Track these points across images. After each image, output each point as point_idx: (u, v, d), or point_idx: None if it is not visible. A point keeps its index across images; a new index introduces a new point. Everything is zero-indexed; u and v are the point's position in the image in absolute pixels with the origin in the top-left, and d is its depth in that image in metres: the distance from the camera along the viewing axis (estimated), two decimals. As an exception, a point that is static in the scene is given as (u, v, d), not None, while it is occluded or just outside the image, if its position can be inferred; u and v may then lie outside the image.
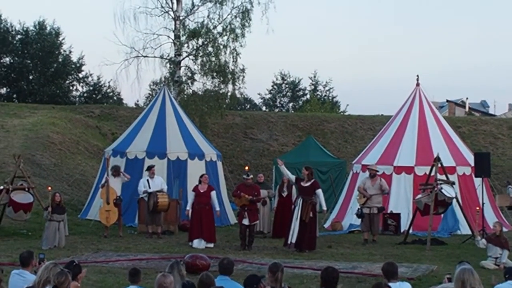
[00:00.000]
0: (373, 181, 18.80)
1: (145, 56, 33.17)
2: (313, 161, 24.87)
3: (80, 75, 47.95)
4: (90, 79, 48.41)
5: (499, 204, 23.35)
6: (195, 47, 33.39)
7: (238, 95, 36.35)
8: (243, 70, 33.67)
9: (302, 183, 16.86)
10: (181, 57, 33.42)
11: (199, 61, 33.32)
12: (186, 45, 33.49)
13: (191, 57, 33.61)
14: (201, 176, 17.91)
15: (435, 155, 18.73)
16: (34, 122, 30.48)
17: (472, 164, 20.39)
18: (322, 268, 8.10)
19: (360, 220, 18.95)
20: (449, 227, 20.41)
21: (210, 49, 33.12)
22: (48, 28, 46.28)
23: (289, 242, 16.60)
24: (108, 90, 49.27)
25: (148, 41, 33.03)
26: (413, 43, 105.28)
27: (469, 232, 18.61)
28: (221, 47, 32.98)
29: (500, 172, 32.64)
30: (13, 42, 45.62)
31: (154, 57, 33.36)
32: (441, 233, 19.99)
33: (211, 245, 17.19)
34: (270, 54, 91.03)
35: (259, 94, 62.24)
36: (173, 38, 33.23)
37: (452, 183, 18.61)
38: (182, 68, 33.64)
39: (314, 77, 61.42)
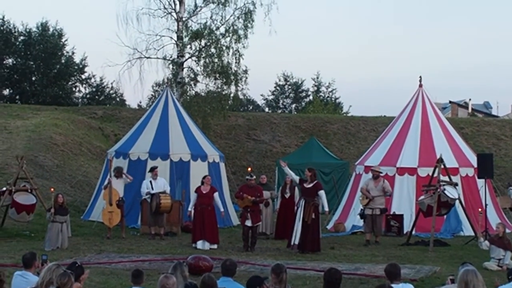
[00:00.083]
0: (376, 183, 18.79)
1: (147, 57, 33.15)
2: (316, 162, 24.84)
3: (83, 76, 47.91)
4: (93, 80, 48.39)
5: (501, 206, 23.32)
6: (197, 48, 33.38)
7: (241, 96, 36.34)
8: (245, 71, 33.67)
9: (304, 184, 16.86)
10: (184, 58, 33.41)
11: (201, 62, 33.32)
12: (188, 46, 33.50)
13: (193, 58, 33.61)
14: (204, 177, 17.91)
15: (438, 156, 18.72)
16: (37, 123, 30.50)
17: (475, 165, 20.39)
18: (325, 269, 8.09)
19: (362, 221, 18.96)
20: (452, 228, 20.40)
21: (212, 50, 33.11)
22: (51, 29, 46.26)
23: (292, 243, 16.60)
24: (111, 91, 49.23)
25: (151, 42, 33.04)
26: (415, 43, 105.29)
27: (472, 234, 18.60)
28: (224, 48, 32.95)
29: (503, 173, 32.60)
30: (15, 44, 45.60)
31: (157, 58, 33.39)
32: (444, 234, 19.98)
33: (215, 246, 17.19)
34: (273, 55, 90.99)
35: (261, 95, 62.10)
36: (175, 39, 33.22)
37: (455, 184, 18.60)
38: (185, 69, 33.65)
39: (317, 78, 61.35)
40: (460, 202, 18.99)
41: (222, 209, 17.99)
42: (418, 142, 21.61)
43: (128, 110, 39.44)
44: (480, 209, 17.77)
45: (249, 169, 19.71)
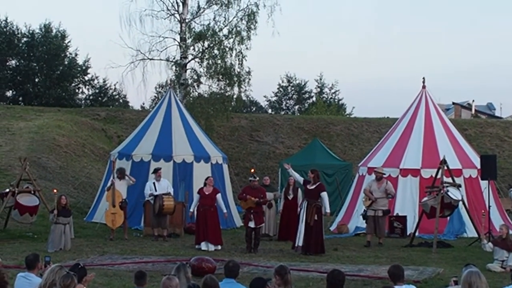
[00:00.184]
0: (379, 184, 18.79)
1: (151, 59, 33.18)
2: (319, 164, 24.80)
3: (86, 78, 47.93)
4: (96, 81, 48.43)
5: (503, 207, 23.25)
6: (201, 50, 33.36)
7: (244, 98, 36.26)
8: (249, 73, 33.64)
9: (307, 186, 16.85)
10: (187, 60, 33.43)
11: (205, 63, 33.30)
12: (192, 47, 33.48)
13: (197, 59, 33.59)
14: (206, 179, 17.91)
15: (441, 158, 18.69)
16: (40, 124, 30.53)
17: (478, 166, 20.34)
18: (328, 271, 8.09)
19: (365, 222, 18.97)
20: (455, 229, 20.37)
21: (216, 51, 33.07)
22: (54, 31, 46.30)
23: (296, 245, 16.60)
24: (114, 93, 49.26)
25: (154, 44, 33.04)
26: (418, 44, 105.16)
27: (475, 235, 18.55)
28: (227, 49, 32.94)
29: (506, 174, 32.53)
30: (19, 45, 45.65)
31: (160, 59, 33.40)
32: (447, 235, 19.95)
33: (219, 247, 17.18)
34: (276, 56, 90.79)
35: (265, 96, 62.02)
36: (179, 40, 33.24)
37: (458, 186, 18.57)
38: (188, 71, 33.65)
39: (320, 79, 61.37)
40: (464, 203, 18.96)
41: (225, 210, 18.00)
42: (421, 143, 21.59)
43: (131, 112, 39.48)
44: (483, 211, 17.72)
45: (252, 170, 19.73)
